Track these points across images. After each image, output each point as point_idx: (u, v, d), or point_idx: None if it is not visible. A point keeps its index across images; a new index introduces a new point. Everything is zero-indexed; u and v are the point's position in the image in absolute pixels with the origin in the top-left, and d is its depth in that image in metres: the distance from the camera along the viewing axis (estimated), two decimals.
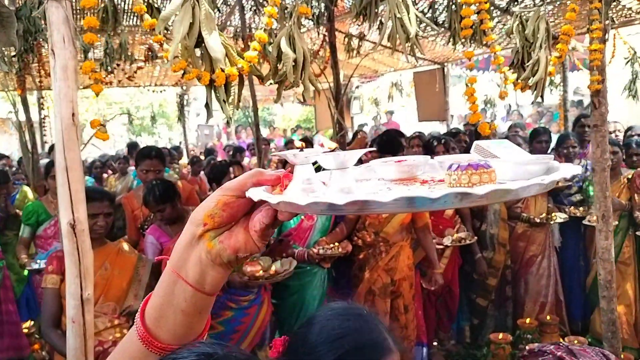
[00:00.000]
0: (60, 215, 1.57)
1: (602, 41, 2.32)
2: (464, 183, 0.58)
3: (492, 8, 4.46)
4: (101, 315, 2.91)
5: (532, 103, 12.71)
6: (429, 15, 5.32)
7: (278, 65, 1.85)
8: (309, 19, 5.09)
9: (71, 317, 1.55)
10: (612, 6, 2.95)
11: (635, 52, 6.17)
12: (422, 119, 9.58)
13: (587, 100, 11.90)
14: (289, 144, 8.95)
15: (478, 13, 3.29)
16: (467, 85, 2.14)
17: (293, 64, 1.81)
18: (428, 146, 4.73)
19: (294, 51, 1.82)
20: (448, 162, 0.81)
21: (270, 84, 1.89)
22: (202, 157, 8.52)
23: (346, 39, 6.53)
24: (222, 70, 1.73)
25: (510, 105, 14.35)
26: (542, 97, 2.17)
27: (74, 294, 1.54)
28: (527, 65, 2.11)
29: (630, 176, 4.57)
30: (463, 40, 2.58)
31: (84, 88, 6.67)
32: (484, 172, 0.58)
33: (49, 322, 2.85)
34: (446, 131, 7.68)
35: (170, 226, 3.53)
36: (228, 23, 6.46)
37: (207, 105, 1.82)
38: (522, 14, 2.21)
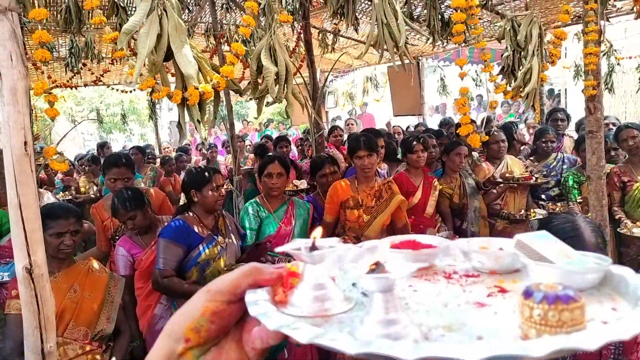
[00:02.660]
0: (15, 259, 1.37)
1: (597, 43, 2.21)
2: (552, 322, 0.45)
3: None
4: (71, 342, 2.72)
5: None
6: (404, 10, 5.21)
7: (258, 79, 1.68)
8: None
9: None
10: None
11: (611, 46, 6.16)
12: (398, 112, 9.50)
13: (557, 90, 12.03)
14: (263, 139, 8.76)
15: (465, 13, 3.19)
16: (460, 94, 2.00)
17: (275, 77, 1.65)
18: (405, 145, 4.61)
19: (276, 64, 1.65)
20: (477, 256, 0.69)
21: (250, 99, 1.72)
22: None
23: (321, 35, 6.39)
24: (196, 88, 1.55)
25: (481, 96, 14.42)
26: (533, 106, 2.06)
27: (32, 347, 1.35)
28: (519, 73, 1.99)
29: (608, 172, 4.55)
30: (446, 39, 2.45)
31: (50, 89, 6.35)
32: (576, 307, 0.46)
33: (14, 351, 2.65)
34: (439, 122, 7.55)
35: (141, 236, 3.37)
36: (199, 19, 6.24)
37: (180, 125, 1.64)
38: (514, 17, 2.09)
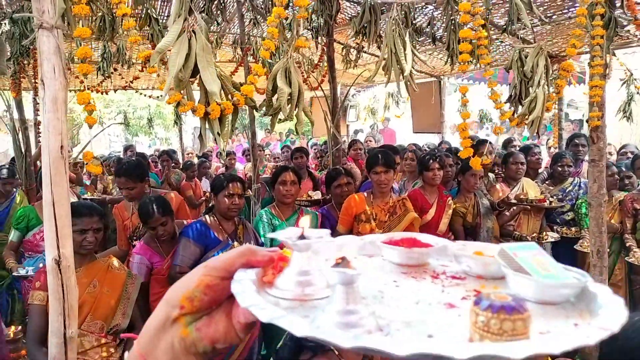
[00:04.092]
0: (46, 251, 1.52)
1: (603, 77, 2.30)
2: (494, 330, 0.50)
3: (490, 26, 4.45)
4: (88, 334, 2.87)
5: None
6: (427, 30, 5.33)
7: (273, 98, 1.82)
8: (307, 29, 5.08)
9: (53, 356, 1.50)
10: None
11: (631, 74, 6.17)
12: (417, 129, 9.58)
13: (578, 114, 11.94)
14: (283, 149, 8.90)
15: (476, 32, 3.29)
16: (462, 119, 2.10)
17: (288, 97, 1.78)
18: (422, 162, 4.69)
19: (290, 85, 1.79)
20: (467, 260, 0.74)
21: (264, 115, 1.85)
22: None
23: (344, 50, 6.52)
24: (218, 104, 1.70)
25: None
26: (537, 133, 2.15)
27: (56, 332, 1.50)
28: (525, 102, 2.09)
29: (621, 199, 4.58)
30: (460, 62, 2.55)
31: (81, 91, 6.58)
32: (518, 319, 0.50)
33: (35, 339, 2.80)
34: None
35: (161, 244, 3.46)
36: (227, 30, 6.44)
37: (201, 137, 1.78)
38: (522, 49, 2.19)
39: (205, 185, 7.41)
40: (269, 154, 9.07)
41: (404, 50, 1.95)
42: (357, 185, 5.47)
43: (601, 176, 2.46)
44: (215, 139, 1.76)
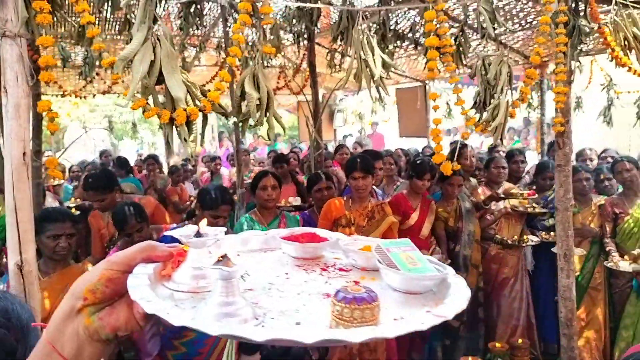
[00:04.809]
0: (8, 256, 1.54)
1: (567, 83, 2.35)
2: (346, 317, 0.58)
3: (468, 31, 4.49)
4: None
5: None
6: (409, 35, 5.38)
7: (242, 104, 1.85)
8: (290, 34, 5.11)
9: None
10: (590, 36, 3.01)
11: (611, 79, 6.26)
12: (403, 134, 9.65)
13: None
14: (270, 154, 8.91)
15: (456, 39, 3.34)
16: (435, 125, 2.15)
17: (257, 102, 1.81)
18: (415, 170, 4.64)
19: (258, 90, 1.82)
20: (352, 254, 0.81)
21: (235, 122, 1.88)
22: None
23: (328, 54, 6.56)
24: (184, 110, 1.72)
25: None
26: (501, 139, 2.20)
27: None
28: (488, 109, 2.13)
29: (601, 203, 4.63)
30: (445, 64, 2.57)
31: (62, 96, 6.57)
32: (366, 308, 0.58)
33: None
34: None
35: None
36: (212, 35, 6.46)
37: (168, 144, 1.81)
38: (485, 57, 2.24)
39: (190, 189, 7.40)
40: (253, 159, 9.08)
41: (373, 55, 1.99)
42: (342, 190, 5.51)
43: (567, 181, 2.51)
44: (184, 146, 1.78)
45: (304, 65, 6.18)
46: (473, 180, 5.33)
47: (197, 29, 4.19)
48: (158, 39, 1.70)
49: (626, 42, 2.46)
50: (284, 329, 0.58)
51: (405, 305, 0.67)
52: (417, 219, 4.55)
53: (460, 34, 3.17)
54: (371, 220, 4.06)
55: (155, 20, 1.71)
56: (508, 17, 5.19)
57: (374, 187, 4.74)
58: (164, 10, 5.12)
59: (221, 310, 0.60)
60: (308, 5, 3.84)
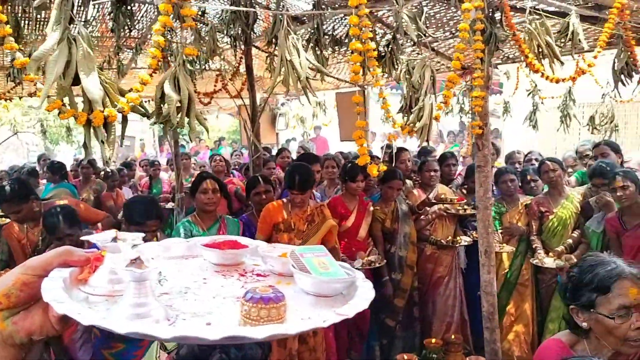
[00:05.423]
0: None
1: (485, 88, 2.48)
2: (253, 316, 0.61)
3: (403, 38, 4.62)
4: None
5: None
6: (346, 41, 5.47)
7: (162, 105, 1.83)
8: (227, 37, 5.08)
9: None
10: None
11: (536, 85, 6.60)
12: (344, 138, 9.75)
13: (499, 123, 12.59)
14: (212, 158, 8.79)
15: (388, 46, 3.42)
16: (358, 127, 2.20)
17: (178, 104, 1.80)
18: (348, 173, 4.70)
19: (179, 92, 1.81)
20: (270, 260, 0.84)
21: (155, 123, 1.86)
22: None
23: (268, 58, 6.57)
24: (101, 111, 1.69)
25: (453, 132, 14.74)
26: (427, 141, 2.29)
27: None
28: (413, 111, 2.21)
29: (527, 202, 4.88)
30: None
31: None
32: (273, 307, 0.61)
33: None
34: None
35: None
36: (149, 36, 6.32)
37: (85, 145, 1.77)
38: (409, 61, 2.32)
39: (127, 194, 7.20)
40: (194, 164, 8.94)
41: (299, 56, 2.03)
42: (280, 194, 5.51)
43: (487, 181, 2.63)
44: (101, 148, 1.74)
45: (243, 68, 6.15)
46: (409, 182, 5.48)
47: (130, 30, 4.09)
48: (74, 40, 1.66)
49: (540, 50, 2.62)
50: (191, 327, 0.60)
51: (316, 307, 0.70)
52: (354, 221, 4.63)
53: (392, 40, 3.26)
54: (311, 224, 4.08)
55: (71, 21, 1.67)
56: (439, 25, 5.38)
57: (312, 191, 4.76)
58: (98, 11, 4.97)
59: (133, 311, 0.61)
60: (242, 9, 3.85)
